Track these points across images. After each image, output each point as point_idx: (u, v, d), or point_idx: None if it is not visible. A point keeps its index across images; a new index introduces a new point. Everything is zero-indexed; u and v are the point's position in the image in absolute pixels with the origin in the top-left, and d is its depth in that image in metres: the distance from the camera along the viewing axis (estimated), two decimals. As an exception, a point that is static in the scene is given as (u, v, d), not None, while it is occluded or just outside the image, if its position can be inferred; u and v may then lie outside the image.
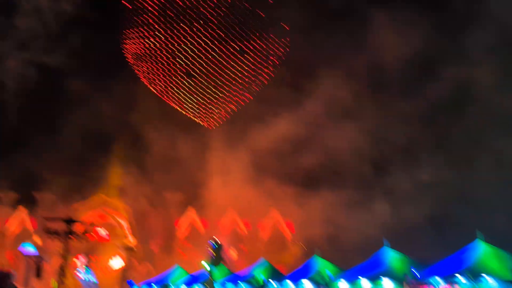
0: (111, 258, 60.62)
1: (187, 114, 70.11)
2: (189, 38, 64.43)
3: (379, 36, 58.03)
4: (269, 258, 40.59)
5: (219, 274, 35.76)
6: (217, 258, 33.61)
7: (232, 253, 59.83)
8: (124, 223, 61.29)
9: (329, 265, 34.50)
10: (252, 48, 62.27)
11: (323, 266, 34.24)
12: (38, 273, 38.09)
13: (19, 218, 60.54)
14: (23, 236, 59.56)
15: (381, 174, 57.20)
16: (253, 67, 64.96)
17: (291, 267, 48.89)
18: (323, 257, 35.85)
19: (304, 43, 62.34)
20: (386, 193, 53.72)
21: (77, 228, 42.26)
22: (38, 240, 55.30)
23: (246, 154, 60.59)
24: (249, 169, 60.30)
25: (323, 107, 59.05)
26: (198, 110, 69.32)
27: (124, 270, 59.47)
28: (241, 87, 64.35)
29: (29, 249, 43.65)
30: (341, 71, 58.56)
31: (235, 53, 62.10)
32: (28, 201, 61.76)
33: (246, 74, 65.07)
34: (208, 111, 68.65)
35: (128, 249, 60.03)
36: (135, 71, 67.53)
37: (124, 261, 59.98)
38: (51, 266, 50.11)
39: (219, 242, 34.95)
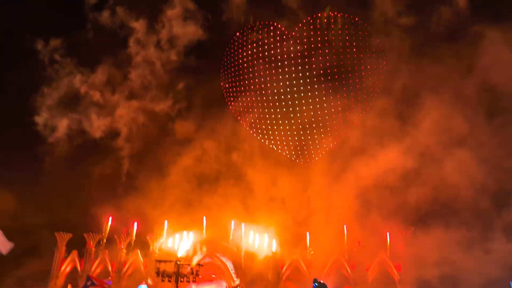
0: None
1: (284, 152, 70.81)
2: (286, 78, 65.96)
3: (491, 56, 54.05)
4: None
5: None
6: None
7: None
8: (229, 264, 61.90)
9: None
10: (351, 81, 61.93)
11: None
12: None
13: (132, 260, 63.85)
14: (136, 277, 62.87)
15: (502, 208, 51.82)
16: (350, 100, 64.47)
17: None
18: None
19: (410, 71, 60.12)
20: (509, 230, 48.48)
21: (186, 269, 43.74)
22: (151, 280, 57.70)
23: (351, 190, 58.97)
24: (354, 207, 58.35)
25: (433, 136, 55.58)
26: (295, 148, 69.72)
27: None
28: (340, 121, 63.81)
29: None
30: (451, 97, 55.24)
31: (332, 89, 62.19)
32: (140, 243, 65.33)
33: (342, 109, 64.66)
34: (305, 149, 68.68)
35: (233, 289, 60.41)
36: (235, 114, 70.17)
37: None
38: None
39: (322, 282, 33.67)
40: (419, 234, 54.76)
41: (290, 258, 61.50)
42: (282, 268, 61.19)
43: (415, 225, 56.68)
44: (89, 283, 35.00)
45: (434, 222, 53.70)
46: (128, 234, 65.59)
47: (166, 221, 65.95)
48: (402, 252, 57.40)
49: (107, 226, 65.80)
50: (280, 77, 67.82)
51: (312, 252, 60.73)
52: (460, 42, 58.71)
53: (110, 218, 67.21)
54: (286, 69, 67.57)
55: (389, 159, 57.01)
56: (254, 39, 68.36)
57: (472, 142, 54.62)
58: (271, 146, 71.15)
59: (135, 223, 67.46)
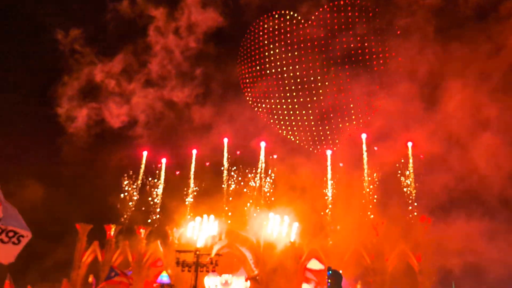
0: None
1: (301, 143, 70.45)
2: (302, 64, 65.35)
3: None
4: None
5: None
6: (333, 286, 31.74)
7: (357, 286, 57.07)
8: (248, 254, 62.05)
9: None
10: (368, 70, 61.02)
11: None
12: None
13: (152, 250, 64.52)
14: (156, 267, 63.75)
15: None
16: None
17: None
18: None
19: (435, 53, 58.34)
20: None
21: (205, 258, 44.00)
22: (171, 270, 58.22)
23: (371, 177, 58.29)
24: (374, 194, 57.79)
25: (459, 121, 53.69)
26: (313, 138, 69.25)
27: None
28: (359, 109, 63.10)
29: (164, 279, 46.45)
30: (477, 79, 53.35)
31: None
32: (160, 233, 65.98)
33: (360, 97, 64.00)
34: (323, 139, 68.20)
35: (252, 279, 60.50)
36: (253, 101, 69.98)
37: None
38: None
39: (336, 270, 33.24)
40: (441, 223, 53.84)
41: (309, 248, 61.37)
42: (300, 257, 61.09)
43: (437, 214, 55.95)
44: (112, 274, 35.39)
45: (456, 211, 52.38)
46: (148, 225, 66.43)
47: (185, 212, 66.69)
48: (423, 242, 56.76)
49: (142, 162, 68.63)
50: (295, 66, 67.50)
51: (330, 242, 60.44)
52: (489, 21, 56.54)
53: (145, 152, 69.31)
54: (303, 58, 67.20)
55: (412, 145, 56.04)
56: (271, 27, 68.15)
57: (500, 126, 52.44)
58: (289, 136, 70.95)
59: (164, 160, 69.68)
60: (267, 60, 68.60)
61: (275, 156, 66.83)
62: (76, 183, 69.25)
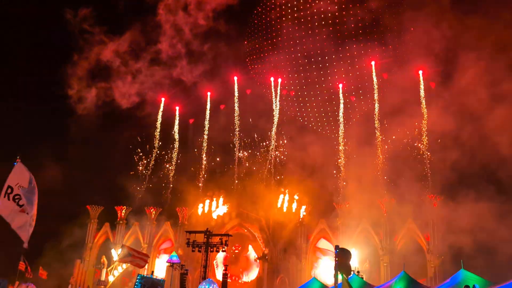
0: (246, 269, 62.58)
1: (310, 124, 70.19)
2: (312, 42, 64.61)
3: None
4: (407, 270, 37.41)
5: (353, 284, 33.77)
6: (341, 264, 31.53)
7: (365, 265, 57.33)
8: (256, 234, 62.47)
9: (479, 280, 30.84)
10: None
11: (472, 280, 30.71)
12: (182, 282, 40.23)
13: (163, 231, 65.18)
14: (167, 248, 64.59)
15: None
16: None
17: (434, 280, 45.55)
18: (470, 270, 32.08)
19: (451, 24, 56.80)
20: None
21: (215, 239, 44.35)
22: (181, 251, 58.92)
23: (382, 156, 58.13)
24: (384, 173, 57.61)
25: (472, 94, 52.33)
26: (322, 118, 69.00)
27: (259, 279, 60.77)
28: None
29: (173, 258, 47.09)
30: (493, 50, 51.94)
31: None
32: (171, 215, 66.47)
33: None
34: (331, 119, 67.90)
35: (261, 259, 61.05)
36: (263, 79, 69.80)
37: (259, 271, 61.26)
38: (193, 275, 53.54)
39: (344, 248, 33.01)
40: (451, 201, 53.52)
41: (318, 228, 61.54)
42: (310, 237, 61.32)
43: (448, 192, 55.64)
44: (127, 255, 35.74)
45: (467, 189, 51.53)
46: (159, 206, 66.85)
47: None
48: (432, 220, 56.64)
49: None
50: (304, 45, 66.67)
51: (339, 222, 60.48)
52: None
53: (163, 99, 70.65)
54: (310, 38, 66.27)
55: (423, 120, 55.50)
56: (278, 5, 67.30)
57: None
58: (297, 117, 70.61)
59: (177, 108, 70.50)
60: (275, 40, 67.80)
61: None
62: (88, 165, 69.75)
